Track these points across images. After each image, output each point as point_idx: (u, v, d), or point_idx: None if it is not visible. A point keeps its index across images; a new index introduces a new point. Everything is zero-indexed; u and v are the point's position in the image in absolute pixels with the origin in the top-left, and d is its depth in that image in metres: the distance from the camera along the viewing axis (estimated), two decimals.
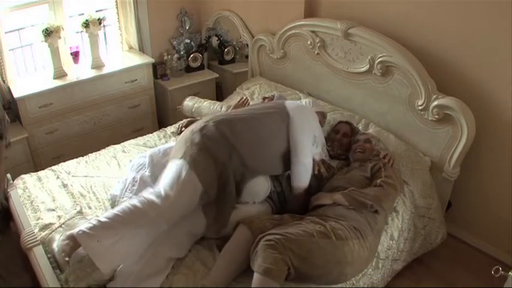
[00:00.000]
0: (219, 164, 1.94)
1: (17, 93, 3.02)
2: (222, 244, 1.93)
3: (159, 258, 1.82)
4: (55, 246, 1.76)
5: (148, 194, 1.86)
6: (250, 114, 2.15)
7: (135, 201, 1.82)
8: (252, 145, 2.04)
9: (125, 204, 1.83)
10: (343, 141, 2.46)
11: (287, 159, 2.12)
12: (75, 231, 1.75)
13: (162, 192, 1.84)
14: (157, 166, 2.22)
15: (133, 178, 2.21)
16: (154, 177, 2.19)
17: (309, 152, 2.11)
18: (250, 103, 2.81)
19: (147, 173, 2.24)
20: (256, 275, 1.64)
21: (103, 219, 1.77)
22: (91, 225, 1.76)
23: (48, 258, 1.84)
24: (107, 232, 1.73)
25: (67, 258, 1.71)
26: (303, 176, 2.09)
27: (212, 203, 1.95)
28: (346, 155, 2.43)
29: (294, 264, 1.66)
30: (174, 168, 1.93)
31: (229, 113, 2.24)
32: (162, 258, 1.83)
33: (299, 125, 2.12)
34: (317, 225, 1.80)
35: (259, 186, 2.09)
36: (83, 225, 1.77)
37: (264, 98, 2.70)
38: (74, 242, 1.73)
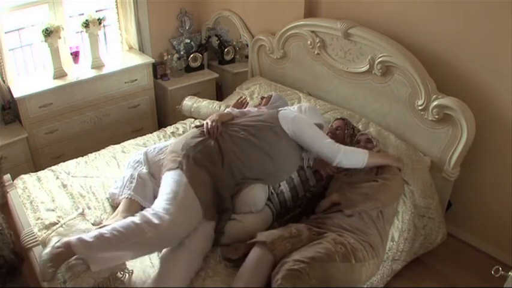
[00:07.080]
0: (214, 177, 1.99)
1: (17, 93, 3.02)
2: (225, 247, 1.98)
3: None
4: (44, 253, 1.75)
5: (149, 213, 1.85)
6: (240, 131, 2.14)
7: (136, 218, 1.83)
8: (245, 160, 2.07)
9: (126, 220, 1.84)
10: (336, 134, 2.46)
11: (284, 171, 2.18)
12: (72, 238, 1.76)
13: (161, 214, 1.83)
14: (152, 163, 2.25)
15: (131, 175, 2.22)
16: (151, 174, 2.22)
17: (326, 144, 2.11)
18: (250, 103, 2.80)
19: (144, 170, 2.25)
20: None
21: (102, 230, 1.79)
22: (89, 234, 1.79)
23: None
24: (102, 243, 1.75)
25: (52, 270, 1.71)
26: (352, 161, 2.10)
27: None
28: None
29: None
30: (171, 182, 1.94)
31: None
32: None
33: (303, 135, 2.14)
34: (338, 245, 1.83)
35: (256, 198, 2.08)
36: (82, 234, 1.80)
37: (262, 98, 2.70)
38: (68, 249, 1.74)
